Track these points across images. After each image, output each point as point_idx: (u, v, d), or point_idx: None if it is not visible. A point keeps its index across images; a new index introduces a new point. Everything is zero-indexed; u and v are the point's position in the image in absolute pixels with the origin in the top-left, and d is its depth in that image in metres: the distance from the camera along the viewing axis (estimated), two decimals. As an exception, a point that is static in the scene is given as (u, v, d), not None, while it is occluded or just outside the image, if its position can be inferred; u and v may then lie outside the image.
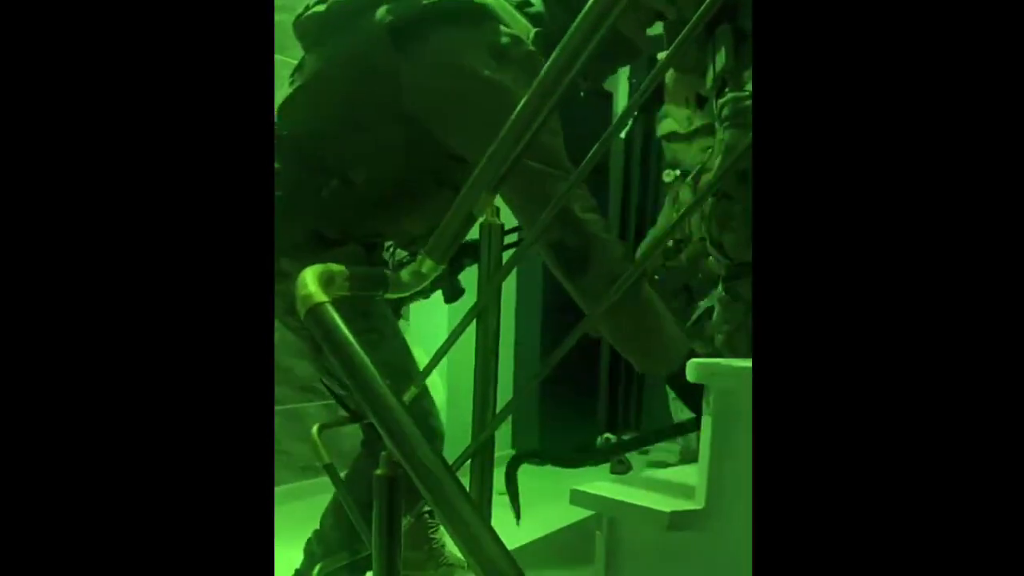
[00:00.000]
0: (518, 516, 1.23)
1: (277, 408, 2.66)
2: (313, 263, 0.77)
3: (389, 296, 0.92)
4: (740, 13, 1.20)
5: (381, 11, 1.17)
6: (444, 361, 0.95)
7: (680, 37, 0.66)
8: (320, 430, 1.23)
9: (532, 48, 1.14)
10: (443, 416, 1.94)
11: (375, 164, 1.24)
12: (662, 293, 1.39)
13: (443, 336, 0.89)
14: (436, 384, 2.17)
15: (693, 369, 1.03)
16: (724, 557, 0.98)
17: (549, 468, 1.30)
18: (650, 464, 3.52)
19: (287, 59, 2.58)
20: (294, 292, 0.75)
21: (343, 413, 1.44)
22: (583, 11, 0.73)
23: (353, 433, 1.43)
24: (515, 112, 0.79)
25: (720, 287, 1.35)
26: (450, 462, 0.66)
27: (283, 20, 2.63)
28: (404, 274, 0.91)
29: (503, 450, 3.54)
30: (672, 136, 1.94)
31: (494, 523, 0.64)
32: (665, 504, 1.01)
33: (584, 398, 4.01)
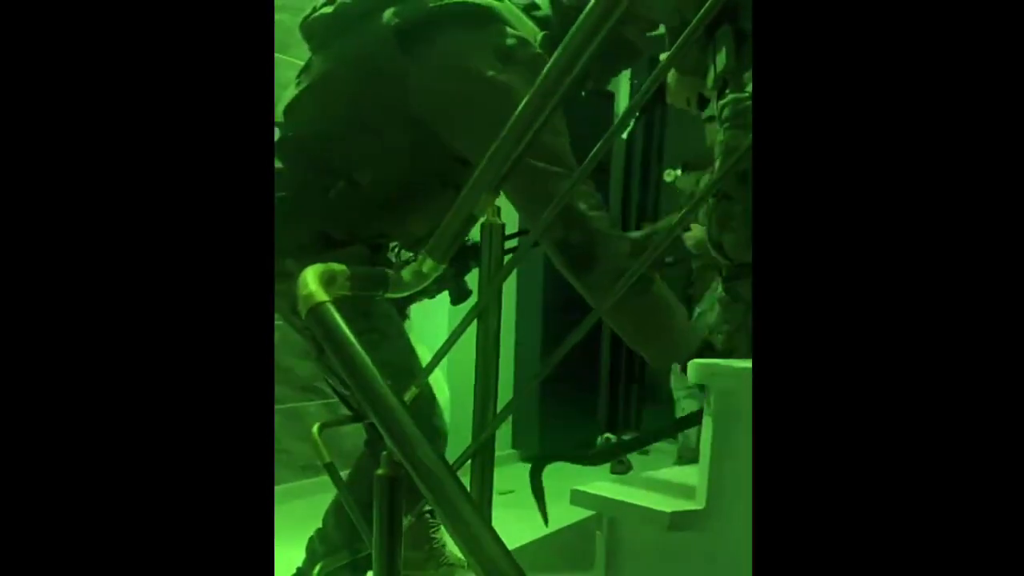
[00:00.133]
0: (545, 519, 1.22)
1: (277, 407, 2.66)
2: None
3: (391, 295, 0.92)
4: (741, 14, 1.20)
5: (388, 13, 1.17)
6: (445, 360, 0.95)
7: (681, 39, 0.66)
8: (321, 429, 1.23)
9: (539, 50, 1.14)
10: (447, 415, 1.94)
11: (381, 166, 1.24)
12: (671, 282, 1.38)
13: (444, 335, 0.89)
14: (440, 384, 2.17)
15: (694, 370, 1.03)
16: (725, 557, 0.98)
17: (550, 468, 1.29)
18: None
19: (289, 59, 2.59)
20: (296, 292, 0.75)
21: (345, 412, 1.44)
22: (584, 12, 0.73)
23: (354, 433, 1.43)
24: (516, 112, 0.79)
25: (720, 287, 1.35)
26: (451, 462, 0.67)
27: (284, 19, 2.64)
28: (405, 273, 0.91)
29: (503, 450, 3.54)
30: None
31: (494, 523, 0.65)
32: (666, 504, 1.01)
33: (585, 397, 4.01)
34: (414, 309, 1.62)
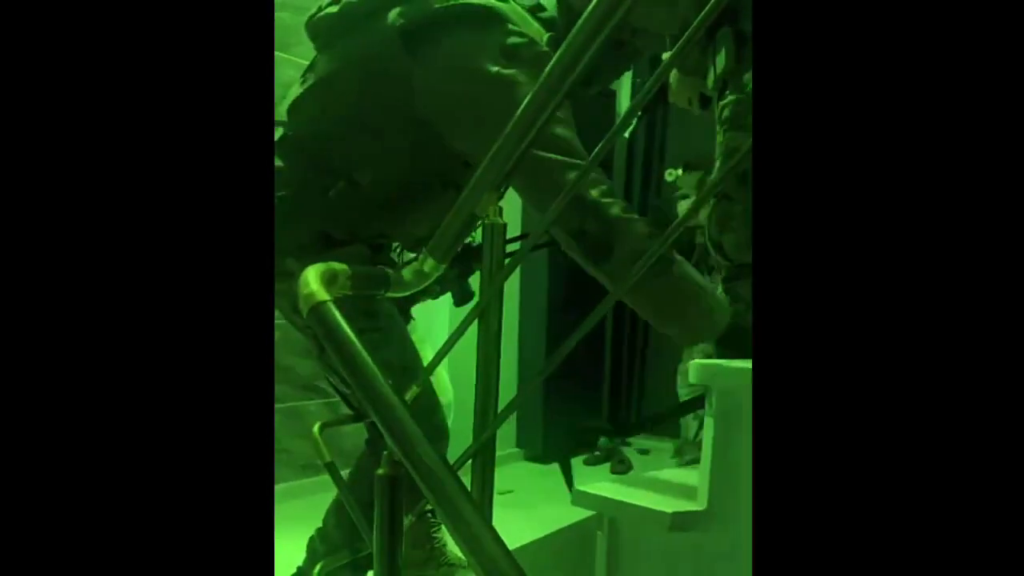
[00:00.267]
0: (570, 485, 1.23)
1: (278, 406, 2.67)
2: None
3: (393, 295, 0.92)
4: (741, 16, 1.20)
5: (393, 14, 1.17)
6: (449, 361, 0.95)
7: (683, 40, 0.66)
8: (321, 428, 1.23)
9: (545, 49, 1.13)
10: (452, 415, 1.94)
11: (380, 166, 1.24)
12: None
13: (446, 334, 0.89)
14: (444, 383, 2.17)
15: (695, 370, 1.03)
16: (726, 558, 0.98)
17: (551, 468, 1.31)
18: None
19: (291, 57, 2.60)
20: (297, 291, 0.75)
21: (346, 411, 1.44)
22: (586, 11, 0.73)
23: (354, 432, 1.43)
24: (519, 109, 0.79)
25: (720, 287, 1.35)
26: (452, 461, 0.67)
27: (285, 18, 2.65)
28: (406, 273, 0.91)
29: (506, 449, 3.55)
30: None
31: (495, 523, 0.65)
32: (667, 505, 1.01)
33: (589, 396, 4.01)
34: (418, 311, 1.62)
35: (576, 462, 3.60)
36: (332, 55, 1.27)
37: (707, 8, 0.62)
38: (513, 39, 1.11)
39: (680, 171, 3.15)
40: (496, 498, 0.83)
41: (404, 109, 1.19)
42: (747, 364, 1.00)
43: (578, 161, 1.06)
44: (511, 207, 1.07)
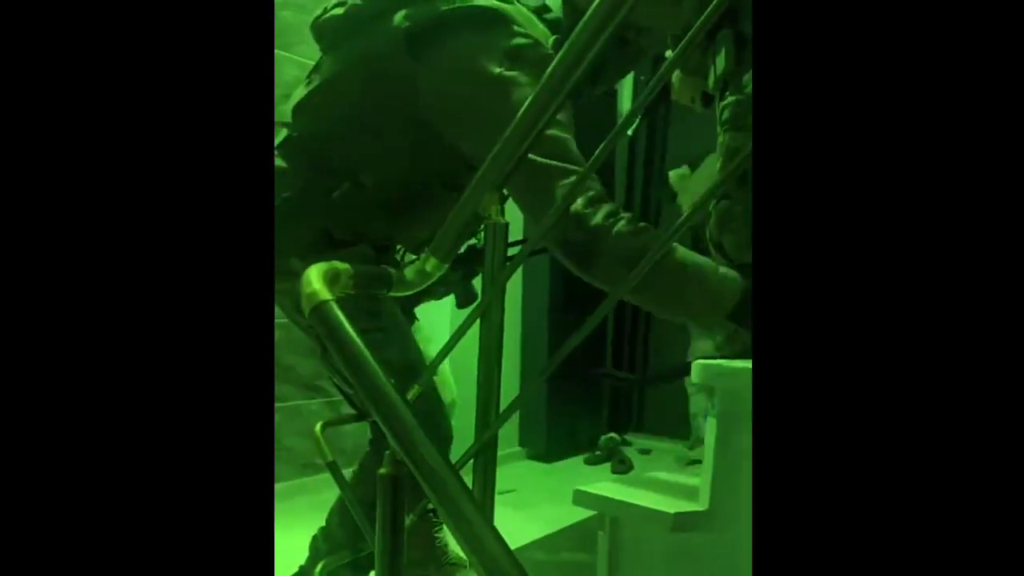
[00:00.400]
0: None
1: (279, 405, 2.67)
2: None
3: (395, 294, 0.92)
4: (741, 17, 1.20)
5: (399, 16, 1.17)
6: (450, 359, 0.95)
7: (684, 41, 0.66)
8: (323, 428, 1.23)
9: (550, 51, 1.13)
10: (456, 415, 1.94)
11: (380, 166, 1.24)
12: None
13: (448, 334, 0.89)
14: (448, 381, 2.17)
15: (697, 370, 1.03)
16: (728, 558, 0.98)
17: (552, 468, 1.30)
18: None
19: (293, 56, 2.60)
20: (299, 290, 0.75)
21: (348, 411, 1.44)
22: (589, 11, 0.73)
23: (354, 431, 1.43)
24: (521, 110, 0.79)
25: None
26: (454, 461, 0.67)
27: (287, 17, 2.64)
28: (408, 272, 0.91)
29: (509, 448, 3.55)
30: None
31: (497, 522, 0.65)
32: (669, 505, 1.01)
33: (592, 395, 4.02)
34: (421, 311, 1.63)
35: (576, 462, 3.62)
36: (337, 56, 1.27)
37: (708, 10, 0.62)
38: (518, 40, 1.11)
39: (682, 170, 3.15)
40: (498, 498, 0.84)
41: (404, 109, 1.19)
42: (749, 364, 0.99)
43: (570, 166, 1.06)
44: (513, 207, 1.07)
